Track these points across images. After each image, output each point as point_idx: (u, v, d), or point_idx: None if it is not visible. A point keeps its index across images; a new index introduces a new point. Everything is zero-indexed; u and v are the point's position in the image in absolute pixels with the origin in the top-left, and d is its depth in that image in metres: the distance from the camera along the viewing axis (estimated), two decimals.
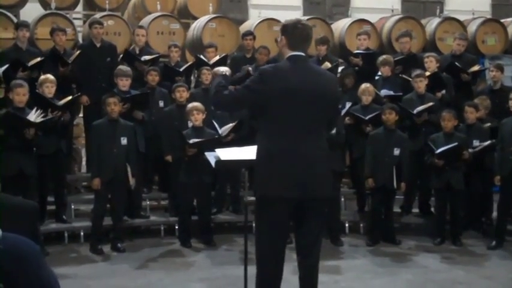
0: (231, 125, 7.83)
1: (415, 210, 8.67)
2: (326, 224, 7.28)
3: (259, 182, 4.40)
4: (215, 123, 7.91)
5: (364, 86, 8.33)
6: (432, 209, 8.44)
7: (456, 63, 9.13)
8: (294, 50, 4.39)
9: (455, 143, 7.55)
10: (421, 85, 8.30)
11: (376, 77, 9.27)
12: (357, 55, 9.36)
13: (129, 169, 7.43)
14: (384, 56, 9.10)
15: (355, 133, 8.13)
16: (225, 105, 4.67)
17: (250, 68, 8.66)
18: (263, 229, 4.42)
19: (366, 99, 8.24)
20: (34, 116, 7.04)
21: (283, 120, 4.30)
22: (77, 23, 11.08)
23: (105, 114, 7.49)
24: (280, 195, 4.26)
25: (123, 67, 8.31)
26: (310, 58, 9.25)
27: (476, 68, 9.33)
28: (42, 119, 7.11)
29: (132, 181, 7.48)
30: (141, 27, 9.68)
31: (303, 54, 4.41)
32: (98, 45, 8.98)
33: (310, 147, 4.30)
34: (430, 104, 8.11)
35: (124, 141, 7.42)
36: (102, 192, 7.41)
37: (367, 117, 8.04)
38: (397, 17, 11.22)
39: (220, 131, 7.83)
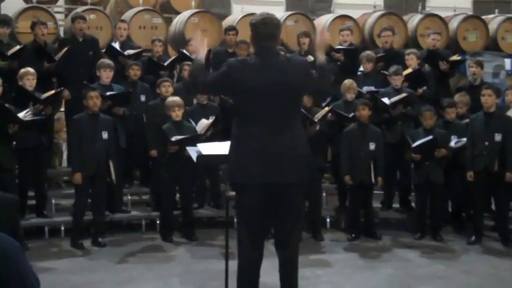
0: (206, 121, 7.83)
1: (396, 205, 8.72)
2: (307, 219, 7.38)
3: (231, 170, 4.50)
4: (190, 120, 7.92)
5: (349, 82, 8.35)
6: (413, 204, 8.49)
7: (437, 50, 9.28)
8: (260, 43, 4.49)
9: (431, 137, 7.62)
10: (397, 82, 8.36)
11: (358, 73, 9.31)
12: (338, 50, 9.38)
13: (111, 164, 7.40)
14: (368, 52, 9.13)
15: (337, 129, 8.15)
16: (202, 84, 4.62)
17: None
18: (240, 216, 4.55)
19: (350, 97, 8.27)
20: (23, 113, 7.04)
21: (253, 111, 4.37)
22: (58, 16, 11.02)
23: (86, 108, 7.45)
24: (251, 181, 4.33)
25: (105, 59, 8.29)
26: (292, 53, 9.38)
27: (455, 57, 9.43)
28: (31, 118, 7.11)
29: (113, 176, 7.45)
30: (123, 21, 9.64)
31: (268, 45, 4.47)
32: (80, 39, 8.92)
33: (280, 136, 4.35)
34: (404, 95, 8.16)
35: (105, 135, 7.39)
36: (84, 187, 7.38)
37: (350, 115, 8.07)
38: (379, 13, 11.25)
39: (196, 128, 7.83)
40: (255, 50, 4.56)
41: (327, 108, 7.93)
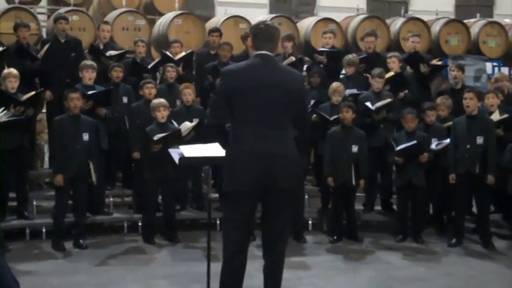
0: (189, 124, 7.82)
1: (378, 207, 8.76)
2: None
3: (225, 179, 4.49)
4: (173, 122, 7.91)
5: (336, 85, 8.37)
6: (394, 207, 8.53)
7: (419, 52, 9.37)
8: (259, 49, 4.53)
9: (414, 141, 7.67)
10: (378, 85, 8.39)
11: (341, 76, 9.35)
12: (321, 52, 9.41)
13: (91, 165, 7.38)
14: (350, 56, 9.16)
15: (320, 131, 8.17)
16: (212, 114, 4.67)
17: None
18: (230, 222, 4.51)
19: (336, 100, 8.29)
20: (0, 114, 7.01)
21: (247, 117, 4.40)
22: (41, 17, 10.97)
23: (67, 110, 7.42)
24: (244, 189, 4.36)
25: (88, 61, 8.28)
26: (277, 56, 9.40)
27: (435, 60, 9.50)
28: (7, 119, 7.06)
29: (94, 177, 7.42)
30: (106, 22, 9.61)
31: (267, 52, 4.51)
32: (63, 40, 8.89)
33: (273, 143, 4.39)
34: (389, 100, 8.20)
35: (86, 137, 7.37)
36: (64, 189, 7.34)
37: (331, 118, 8.09)
38: (362, 17, 11.30)
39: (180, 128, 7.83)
40: (254, 51, 4.60)
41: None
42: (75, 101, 7.31)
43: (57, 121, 7.48)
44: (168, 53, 9.19)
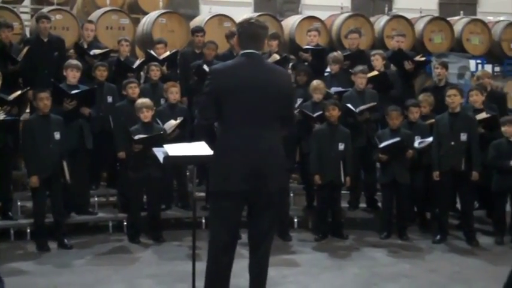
0: (174, 122, 7.82)
1: (363, 205, 8.79)
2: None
3: (213, 178, 4.48)
4: (158, 121, 7.90)
5: (316, 83, 8.39)
6: (379, 204, 8.56)
7: (402, 50, 9.43)
8: (245, 48, 4.49)
9: (398, 138, 7.71)
10: (361, 81, 8.42)
11: (325, 74, 9.37)
12: (306, 50, 9.43)
13: (65, 164, 7.35)
14: (335, 54, 9.19)
15: (305, 129, 8.19)
16: (202, 114, 4.61)
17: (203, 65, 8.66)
18: (217, 222, 4.49)
19: (317, 97, 8.31)
20: None
21: (235, 116, 4.37)
22: (24, 17, 10.91)
23: (37, 110, 7.38)
24: (233, 189, 4.34)
25: (73, 60, 8.24)
26: (263, 54, 9.40)
27: (419, 57, 9.55)
28: (3, 118, 7.06)
29: (67, 176, 7.39)
30: (90, 21, 9.57)
31: (253, 51, 4.47)
32: (45, 39, 8.84)
33: (262, 142, 4.37)
34: (372, 104, 8.23)
35: (57, 136, 7.33)
36: (41, 189, 7.31)
37: (314, 115, 8.11)
38: (346, 15, 11.34)
39: (164, 128, 7.82)
40: (240, 50, 4.55)
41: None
42: (44, 100, 7.26)
43: (28, 122, 7.46)
44: (152, 52, 9.16)
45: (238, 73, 4.41)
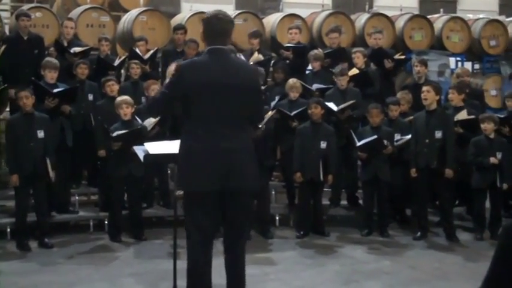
0: (153, 119, 7.80)
1: (344, 202, 8.83)
2: (256, 217, 7.42)
3: (183, 178, 4.43)
4: (137, 118, 7.88)
5: (292, 82, 8.40)
6: (360, 201, 8.60)
7: (382, 48, 9.48)
8: (212, 44, 4.43)
9: (375, 136, 7.75)
10: (343, 82, 8.45)
11: (307, 71, 9.39)
12: (287, 48, 9.44)
13: (48, 162, 7.31)
14: (316, 51, 9.22)
15: (282, 128, 8.20)
16: (153, 108, 4.66)
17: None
18: (191, 222, 4.43)
19: (294, 96, 8.32)
20: None
21: (203, 114, 4.31)
22: (4, 14, 10.84)
23: (20, 109, 7.33)
24: (203, 189, 4.28)
25: (51, 59, 8.17)
26: (243, 52, 9.41)
27: (398, 55, 9.61)
28: None
29: (52, 174, 7.36)
30: (70, 19, 9.50)
31: (222, 47, 4.42)
32: (25, 37, 8.79)
33: (231, 140, 4.31)
34: (352, 102, 8.26)
35: (41, 134, 7.29)
36: (23, 188, 7.27)
37: (292, 114, 8.13)
38: (327, 12, 11.37)
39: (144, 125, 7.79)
40: (207, 46, 4.48)
41: (270, 113, 7.80)
42: (23, 99, 7.22)
43: (10, 120, 7.43)
44: (137, 50, 9.12)
45: (208, 70, 4.33)
